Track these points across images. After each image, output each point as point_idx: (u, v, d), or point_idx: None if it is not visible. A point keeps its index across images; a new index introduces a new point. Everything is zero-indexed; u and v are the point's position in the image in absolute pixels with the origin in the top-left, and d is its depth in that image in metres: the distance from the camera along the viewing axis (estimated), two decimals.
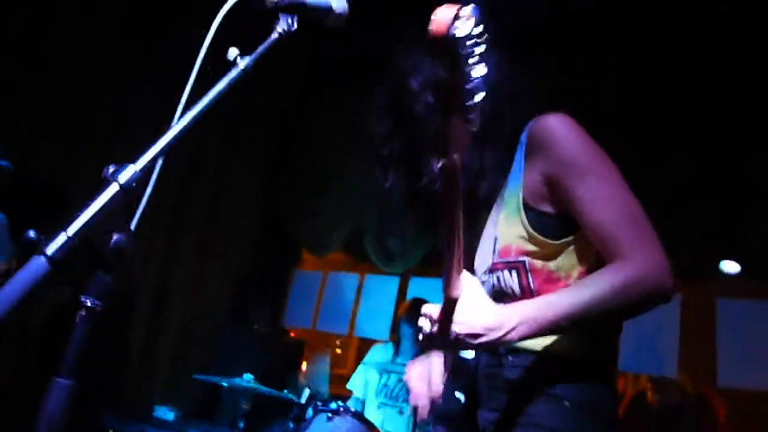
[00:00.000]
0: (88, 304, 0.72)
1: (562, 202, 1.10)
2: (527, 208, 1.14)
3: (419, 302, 3.73)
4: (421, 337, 1.05)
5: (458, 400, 1.12)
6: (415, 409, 1.31)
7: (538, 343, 1.13)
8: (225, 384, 2.81)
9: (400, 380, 3.43)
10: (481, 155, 1.13)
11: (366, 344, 5.32)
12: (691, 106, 3.44)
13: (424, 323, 1.05)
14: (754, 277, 4.07)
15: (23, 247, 0.68)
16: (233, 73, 0.99)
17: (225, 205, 5.01)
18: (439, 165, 0.75)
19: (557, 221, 1.12)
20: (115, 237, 0.74)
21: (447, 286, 0.95)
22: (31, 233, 0.69)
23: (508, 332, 0.99)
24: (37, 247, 0.67)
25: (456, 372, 1.15)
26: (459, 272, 0.95)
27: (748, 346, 3.27)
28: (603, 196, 1.05)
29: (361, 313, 4.97)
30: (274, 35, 1.10)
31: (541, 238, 1.12)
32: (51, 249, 0.66)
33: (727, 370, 3.31)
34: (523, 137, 1.17)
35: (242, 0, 1.12)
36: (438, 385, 1.28)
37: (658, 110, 3.50)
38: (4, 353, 3.40)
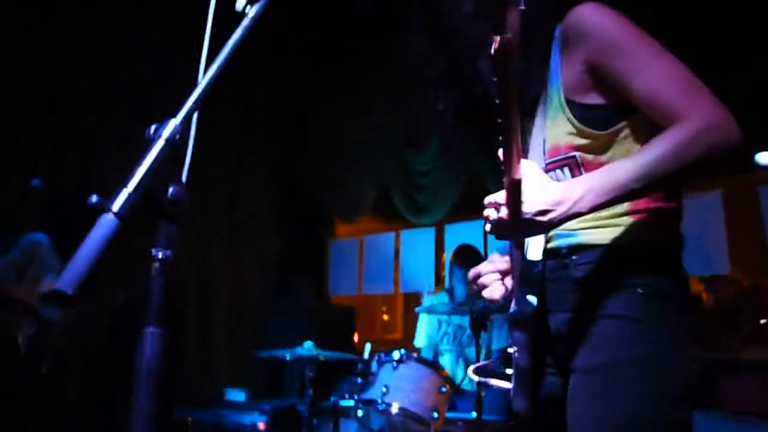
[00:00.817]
0: (160, 255, 0.74)
1: (609, 86, 1.08)
2: (570, 103, 1.12)
3: (467, 247, 3.73)
4: (488, 227, 1.04)
5: (531, 302, 1.12)
6: (479, 291, 1.30)
7: (602, 237, 1.12)
8: (288, 356, 2.87)
9: (459, 326, 3.46)
10: (524, 62, 1.11)
11: (412, 303, 5.38)
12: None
13: (489, 212, 1.04)
14: None
15: (90, 211, 0.69)
16: (246, 22, 0.99)
17: (250, 188, 5.06)
18: (496, 44, 0.73)
19: (604, 111, 1.10)
20: (171, 189, 0.75)
21: (508, 169, 0.94)
22: (93, 198, 0.70)
23: (575, 202, 0.98)
24: (102, 209, 0.69)
25: (524, 279, 1.15)
26: (519, 156, 0.93)
27: None
28: (650, 66, 1.04)
29: (404, 269, 5.02)
30: None
31: (589, 130, 1.11)
32: (116, 206, 0.68)
33: None
34: (556, 34, 1.15)
35: None
36: (507, 263, 1.29)
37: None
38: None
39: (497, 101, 0.80)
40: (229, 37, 0.98)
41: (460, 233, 4.79)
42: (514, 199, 0.97)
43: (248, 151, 5.03)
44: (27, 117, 3.66)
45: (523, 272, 1.16)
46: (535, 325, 1.13)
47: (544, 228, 1.03)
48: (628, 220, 1.12)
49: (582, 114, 1.11)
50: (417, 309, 3.46)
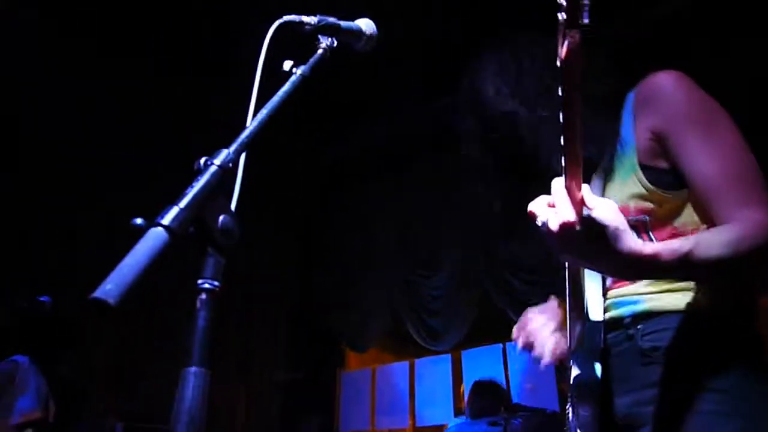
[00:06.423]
0: (207, 286, 0.66)
1: (672, 158, 1.04)
2: (642, 166, 1.07)
3: (484, 385, 3.50)
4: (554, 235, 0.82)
5: (596, 371, 0.99)
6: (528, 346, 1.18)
7: (673, 303, 1.03)
8: None
9: None
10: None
11: None
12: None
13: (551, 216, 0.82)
14: None
15: (133, 232, 0.63)
16: (293, 78, 0.99)
17: (258, 318, 4.93)
18: (565, 48, 0.68)
19: (674, 176, 1.05)
20: (221, 218, 0.69)
21: (569, 177, 0.79)
22: (138, 220, 0.64)
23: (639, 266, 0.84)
24: (150, 226, 0.62)
25: (587, 342, 1.03)
26: (579, 165, 0.78)
27: None
28: (709, 151, 0.99)
29: (419, 400, 4.71)
30: (320, 51, 1.12)
31: (658, 192, 1.04)
32: (167, 219, 0.61)
33: None
34: (630, 97, 1.12)
35: (282, 27, 1.16)
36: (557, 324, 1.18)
37: None
38: None
39: (562, 113, 0.74)
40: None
41: (478, 360, 4.56)
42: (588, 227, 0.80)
43: (257, 280, 4.98)
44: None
45: (586, 335, 1.04)
46: (601, 400, 0.99)
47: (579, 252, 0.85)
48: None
49: (652, 177, 1.06)
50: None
